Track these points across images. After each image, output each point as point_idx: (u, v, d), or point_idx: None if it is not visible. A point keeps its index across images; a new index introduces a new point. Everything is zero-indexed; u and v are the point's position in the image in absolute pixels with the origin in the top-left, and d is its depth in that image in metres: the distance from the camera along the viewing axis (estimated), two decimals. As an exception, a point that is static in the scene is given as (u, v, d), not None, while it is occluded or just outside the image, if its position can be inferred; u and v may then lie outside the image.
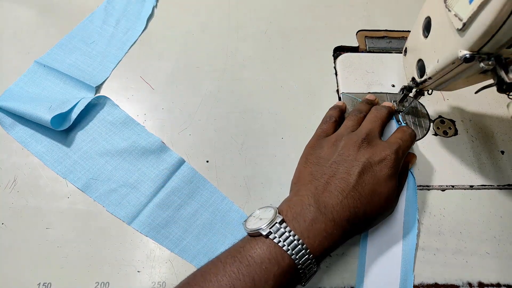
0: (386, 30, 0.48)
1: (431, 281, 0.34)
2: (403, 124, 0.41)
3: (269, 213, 0.29)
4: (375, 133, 0.35)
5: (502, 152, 0.41)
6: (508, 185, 0.39)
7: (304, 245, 0.28)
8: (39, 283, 0.33)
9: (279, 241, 0.27)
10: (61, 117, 0.38)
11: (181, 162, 0.38)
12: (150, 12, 0.47)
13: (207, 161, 0.39)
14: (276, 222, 0.28)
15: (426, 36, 0.33)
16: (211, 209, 0.37)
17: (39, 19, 0.46)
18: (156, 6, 0.48)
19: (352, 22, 0.49)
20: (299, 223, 0.29)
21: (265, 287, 0.26)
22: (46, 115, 0.36)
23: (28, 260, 0.34)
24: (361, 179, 0.31)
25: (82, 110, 0.38)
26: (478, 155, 0.41)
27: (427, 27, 0.32)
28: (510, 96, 0.29)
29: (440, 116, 0.43)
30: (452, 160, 0.40)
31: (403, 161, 0.37)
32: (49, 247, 0.34)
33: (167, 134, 0.40)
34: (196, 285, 0.26)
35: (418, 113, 0.43)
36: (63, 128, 0.38)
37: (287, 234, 0.28)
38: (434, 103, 0.44)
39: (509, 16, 0.23)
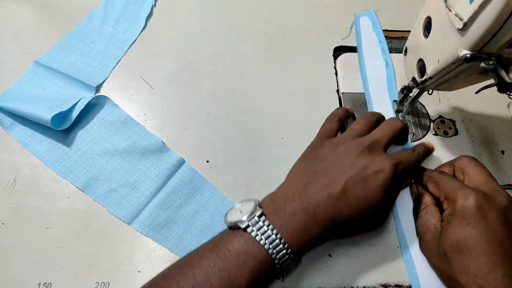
0: (386, 30, 0.48)
1: (431, 281, 0.34)
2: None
3: (250, 206, 0.29)
4: (382, 145, 0.33)
5: (502, 152, 0.41)
6: (508, 185, 0.39)
7: (282, 240, 0.27)
8: (39, 283, 0.33)
9: (257, 235, 0.27)
10: (61, 116, 0.38)
11: (181, 162, 0.38)
12: (149, 11, 0.47)
13: (207, 161, 0.39)
14: (255, 215, 0.28)
15: (426, 36, 0.33)
16: (211, 209, 0.37)
17: (39, 19, 0.46)
18: (155, 5, 0.48)
19: (352, 22, 0.49)
20: (278, 217, 0.28)
21: (241, 280, 0.26)
22: (46, 115, 0.36)
23: (28, 260, 0.33)
24: (352, 184, 0.30)
25: (82, 110, 0.38)
26: (479, 155, 0.41)
27: (427, 27, 0.32)
28: (511, 96, 0.29)
29: (440, 116, 0.43)
30: (452, 160, 0.40)
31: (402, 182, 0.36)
32: (49, 247, 0.34)
33: (167, 134, 0.40)
34: (171, 278, 0.26)
35: (418, 113, 0.43)
36: (63, 128, 0.38)
37: (265, 228, 0.27)
38: (434, 103, 0.44)
39: (509, 16, 0.23)
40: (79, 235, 0.35)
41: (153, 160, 0.38)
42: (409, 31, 0.36)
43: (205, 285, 0.25)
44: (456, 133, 0.42)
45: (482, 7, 0.24)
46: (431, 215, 0.33)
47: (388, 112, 0.42)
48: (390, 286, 0.34)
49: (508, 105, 0.33)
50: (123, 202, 0.36)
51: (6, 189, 0.36)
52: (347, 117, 0.39)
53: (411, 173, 0.37)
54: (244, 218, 0.28)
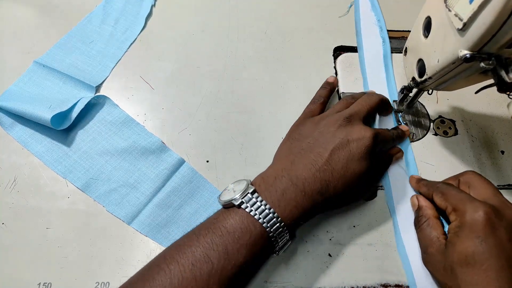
0: (386, 30, 0.48)
1: (431, 281, 0.34)
2: (402, 124, 0.42)
3: (242, 185, 0.30)
4: (360, 116, 0.35)
5: (502, 152, 0.41)
6: (508, 185, 0.39)
7: (275, 214, 0.28)
8: (39, 283, 0.33)
9: (251, 210, 0.28)
10: (61, 116, 0.38)
11: (181, 162, 0.38)
12: (148, 11, 0.47)
13: (207, 161, 0.39)
14: (248, 193, 0.29)
15: (426, 36, 0.33)
16: (211, 209, 0.37)
17: (39, 19, 0.46)
18: (154, 5, 0.48)
19: (352, 22, 0.49)
20: (270, 193, 0.30)
21: (238, 255, 0.27)
22: (46, 114, 0.36)
23: (28, 260, 0.34)
24: (336, 154, 0.31)
25: (82, 110, 0.38)
26: (478, 155, 0.41)
27: (427, 27, 0.32)
28: (511, 96, 0.29)
29: (440, 116, 0.43)
30: (452, 160, 0.40)
31: (387, 152, 0.38)
32: (49, 247, 0.34)
33: (167, 134, 0.40)
34: (171, 258, 0.27)
35: (418, 113, 0.43)
36: (63, 128, 0.38)
37: (258, 203, 0.29)
38: (434, 103, 0.44)
39: (509, 16, 0.23)
40: (79, 235, 0.35)
41: (153, 160, 0.38)
42: (409, 31, 0.36)
43: (204, 262, 0.26)
44: (456, 133, 0.42)
45: (481, 7, 0.24)
46: (433, 228, 0.33)
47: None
48: (390, 286, 0.34)
49: (508, 105, 0.33)
50: (123, 202, 0.36)
51: (6, 189, 0.36)
52: (331, 94, 0.42)
53: (391, 145, 0.39)
54: (238, 196, 0.29)
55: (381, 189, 0.38)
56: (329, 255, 0.35)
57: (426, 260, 0.33)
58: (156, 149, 0.39)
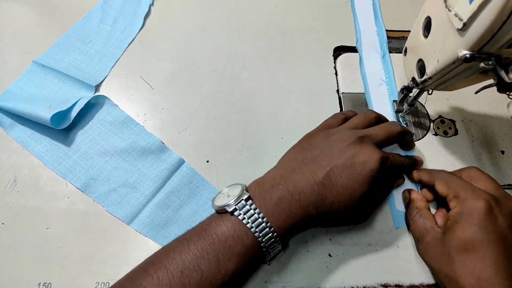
0: (386, 30, 0.48)
1: (431, 281, 0.34)
2: (402, 123, 0.42)
3: (237, 190, 0.29)
4: (374, 140, 0.33)
5: (502, 152, 0.41)
6: (508, 185, 0.39)
7: (268, 223, 0.28)
8: (39, 283, 0.33)
9: (244, 218, 0.28)
10: (61, 115, 0.38)
11: (181, 162, 0.38)
12: (146, 10, 0.47)
13: (207, 161, 0.39)
14: (242, 199, 0.28)
15: (426, 36, 0.33)
16: (210, 209, 0.37)
17: (39, 19, 0.46)
18: (152, 4, 0.48)
19: (352, 22, 0.49)
20: (265, 201, 0.29)
21: (228, 264, 0.26)
22: (45, 114, 0.36)
23: (28, 260, 0.34)
24: (338, 171, 0.30)
25: (82, 110, 0.38)
26: (478, 155, 0.41)
27: (427, 27, 0.32)
28: (510, 96, 0.29)
29: (440, 116, 0.43)
30: (452, 160, 0.40)
31: (391, 180, 0.37)
32: (49, 247, 0.34)
33: (167, 134, 0.40)
34: (159, 263, 0.26)
35: (418, 113, 0.43)
36: (63, 127, 0.38)
37: (252, 211, 0.28)
38: (434, 103, 0.44)
39: (509, 16, 0.23)
40: (79, 235, 0.35)
41: (152, 160, 0.38)
42: (409, 31, 0.36)
43: (194, 270, 0.26)
44: (456, 133, 0.42)
45: (481, 7, 0.24)
46: (426, 218, 0.33)
47: (388, 112, 0.42)
48: (390, 286, 0.34)
49: (508, 105, 0.33)
50: (123, 202, 0.36)
51: (6, 189, 0.36)
52: (355, 116, 0.39)
53: (398, 173, 0.38)
54: (231, 202, 0.28)
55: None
56: (329, 255, 0.35)
57: (422, 249, 0.33)
58: (156, 149, 0.39)
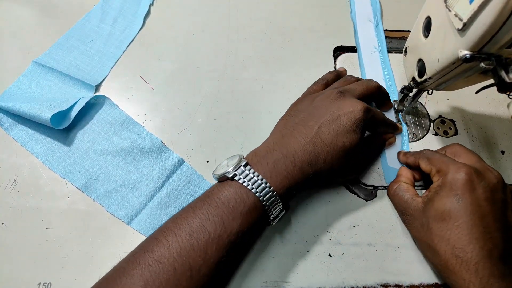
0: (386, 30, 0.48)
1: (431, 281, 0.34)
2: (403, 123, 0.42)
3: (235, 160, 0.31)
4: (354, 93, 0.35)
5: (502, 152, 0.41)
6: (509, 184, 0.39)
7: (267, 184, 0.29)
8: (39, 283, 0.33)
9: (244, 182, 0.29)
10: (61, 115, 0.38)
11: (181, 162, 0.38)
12: (146, 10, 0.47)
13: (207, 161, 0.39)
14: (241, 165, 0.30)
15: (426, 36, 0.33)
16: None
17: (39, 19, 0.46)
18: (152, 4, 0.48)
19: (352, 22, 0.49)
20: (262, 166, 0.30)
21: (233, 224, 0.28)
22: (45, 114, 0.36)
23: (28, 260, 0.34)
24: (325, 127, 0.32)
25: (82, 110, 0.38)
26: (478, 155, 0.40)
27: (427, 27, 0.32)
28: (510, 96, 0.29)
29: (440, 116, 0.43)
30: (452, 160, 0.40)
31: (380, 137, 0.39)
32: (49, 247, 0.34)
33: (167, 134, 0.40)
34: (167, 230, 0.28)
35: (418, 113, 0.43)
36: (63, 127, 0.38)
37: (251, 175, 0.29)
38: (434, 103, 0.44)
39: (509, 16, 0.23)
40: (79, 235, 0.35)
41: (152, 160, 0.38)
42: (409, 31, 0.36)
43: (201, 231, 0.27)
44: (456, 133, 0.42)
45: (481, 7, 0.24)
46: (405, 191, 0.35)
47: (380, 77, 0.44)
48: (390, 286, 0.34)
49: (508, 105, 0.33)
50: (123, 202, 0.36)
51: (6, 189, 0.36)
52: (336, 79, 0.41)
53: (384, 130, 0.39)
54: (231, 169, 0.30)
55: (382, 189, 0.38)
56: (329, 255, 0.35)
57: (405, 221, 0.35)
58: (156, 149, 0.39)
